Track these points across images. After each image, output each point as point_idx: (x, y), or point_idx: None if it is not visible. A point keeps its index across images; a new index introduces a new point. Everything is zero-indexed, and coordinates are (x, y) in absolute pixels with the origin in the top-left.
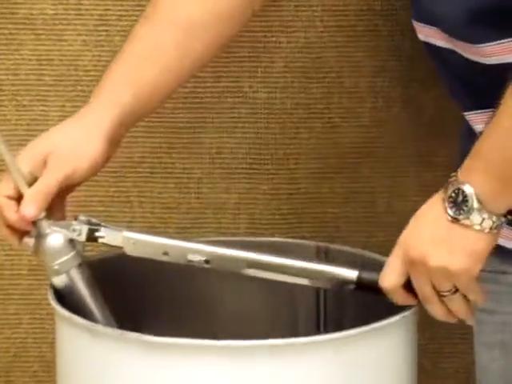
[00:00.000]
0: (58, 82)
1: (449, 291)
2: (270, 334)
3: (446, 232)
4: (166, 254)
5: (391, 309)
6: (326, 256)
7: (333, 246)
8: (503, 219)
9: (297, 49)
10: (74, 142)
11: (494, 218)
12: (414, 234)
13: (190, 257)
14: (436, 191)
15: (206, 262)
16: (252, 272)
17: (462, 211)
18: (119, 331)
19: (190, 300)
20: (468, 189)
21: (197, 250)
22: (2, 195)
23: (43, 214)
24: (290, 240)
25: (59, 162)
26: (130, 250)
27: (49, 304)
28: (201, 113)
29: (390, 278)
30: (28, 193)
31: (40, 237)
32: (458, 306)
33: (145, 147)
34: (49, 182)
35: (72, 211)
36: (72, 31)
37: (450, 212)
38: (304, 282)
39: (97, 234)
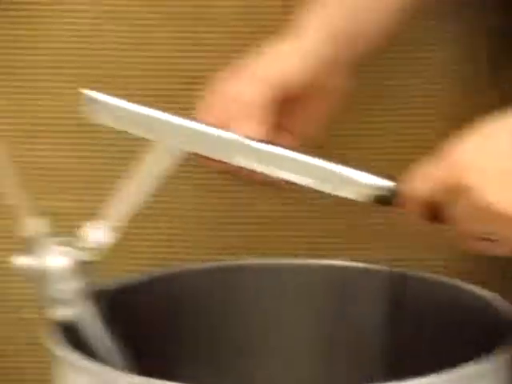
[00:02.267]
0: None
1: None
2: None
3: None
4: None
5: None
6: (401, 287)
7: (412, 274)
8: None
9: None
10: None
11: None
12: (476, 154)
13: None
14: None
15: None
16: (243, 161)
17: None
18: (144, 379)
19: (230, 338)
20: None
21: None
22: None
23: (44, 228)
24: (353, 264)
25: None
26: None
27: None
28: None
29: (415, 185)
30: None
31: (38, 256)
32: (487, 249)
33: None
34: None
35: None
36: None
37: None
38: (311, 183)
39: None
